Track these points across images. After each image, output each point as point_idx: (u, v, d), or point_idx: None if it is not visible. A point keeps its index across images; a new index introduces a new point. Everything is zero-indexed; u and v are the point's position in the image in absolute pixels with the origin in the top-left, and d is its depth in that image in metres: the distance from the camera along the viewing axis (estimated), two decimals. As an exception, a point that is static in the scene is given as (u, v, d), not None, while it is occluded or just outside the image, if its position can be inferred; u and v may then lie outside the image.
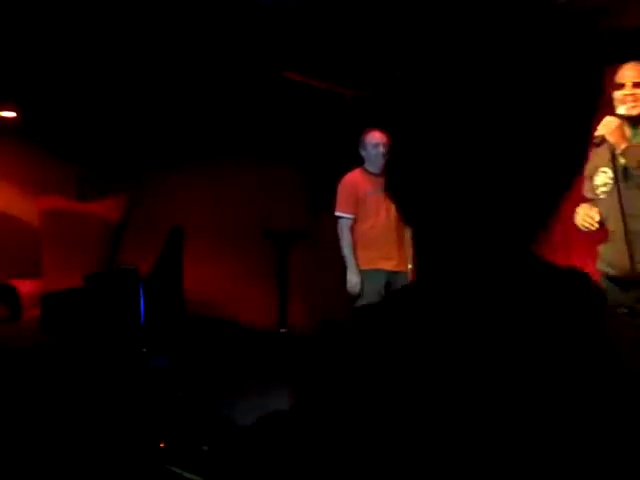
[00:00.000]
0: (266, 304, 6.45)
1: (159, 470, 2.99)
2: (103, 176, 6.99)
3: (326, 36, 4.62)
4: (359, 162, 4.77)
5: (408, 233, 4.76)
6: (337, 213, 4.68)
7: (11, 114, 6.44)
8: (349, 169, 4.80)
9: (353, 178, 4.69)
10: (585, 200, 3.41)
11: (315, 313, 6.53)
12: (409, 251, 4.70)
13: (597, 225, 3.31)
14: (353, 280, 4.58)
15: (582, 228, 3.35)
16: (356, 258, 4.61)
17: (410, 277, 4.71)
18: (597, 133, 3.20)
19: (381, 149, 4.56)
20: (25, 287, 6.06)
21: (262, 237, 6.25)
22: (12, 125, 6.52)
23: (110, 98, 5.92)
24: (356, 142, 4.82)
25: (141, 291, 5.25)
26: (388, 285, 4.64)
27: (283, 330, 6.30)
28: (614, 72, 3.34)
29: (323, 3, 4.14)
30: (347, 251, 4.61)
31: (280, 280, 6.37)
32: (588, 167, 3.27)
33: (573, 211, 3.40)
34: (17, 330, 5.77)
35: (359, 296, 4.59)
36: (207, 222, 6.44)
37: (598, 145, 3.22)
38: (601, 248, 3.40)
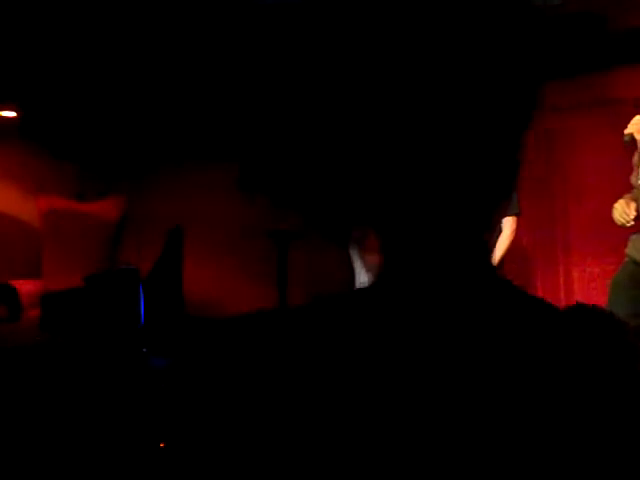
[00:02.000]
0: (266, 304, 6.45)
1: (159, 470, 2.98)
2: (103, 176, 6.99)
3: (325, 36, 4.62)
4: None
5: None
6: None
7: (11, 114, 6.44)
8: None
9: None
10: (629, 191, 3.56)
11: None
12: None
13: (632, 222, 3.47)
14: (363, 280, 4.58)
15: (618, 223, 3.51)
16: (363, 258, 4.62)
17: None
18: (626, 131, 3.40)
19: None
20: (25, 287, 6.06)
21: (262, 237, 6.25)
22: (12, 125, 6.52)
23: (110, 98, 5.92)
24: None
25: (141, 291, 5.25)
26: None
27: (283, 330, 6.29)
28: (627, 72, 3.41)
29: (323, 3, 4.14)
30: (354, 252, 4.61)
31: (280, 279, 6.37)
32: (635, 157, 3.47)
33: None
34: (17, 330, 5.77)
35: None
36: (207, 222, 6.44)
37: (627, 143, 3.36)
38: (634, 235, 3.54)
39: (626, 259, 3.56)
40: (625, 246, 3.60)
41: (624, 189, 3.60)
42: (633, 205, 3.45)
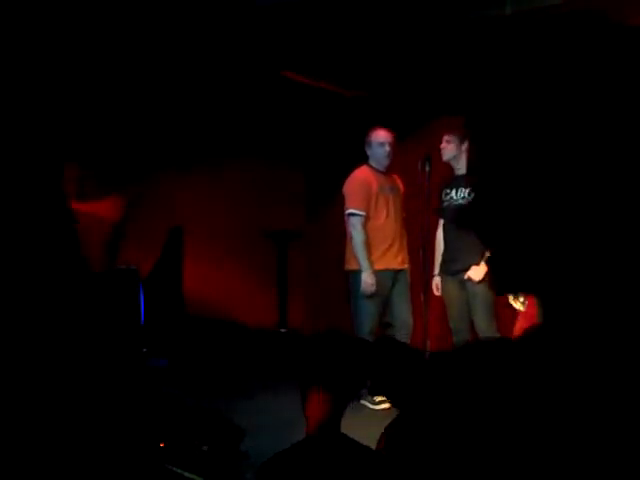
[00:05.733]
0: (266, 304, 6.45)
1: (159, 470, 2.98)
2: (103, 176, 6.98)
3: (325, 36, 4.62)
4: (358, 161, 4.75)
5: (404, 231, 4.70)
6: (350, 210, 4.47)
7: (11, 114, 6.43)
8: (348, 168, 4.78)
9: (363, 175, 4.53)
10: None
11: (314, 312, 6.53)
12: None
13: None
14: (369, 280, 4.43)
15: None
16: (369, 257, 4.45)
17: (408, 276, 4.65)
18: None
19: (387, 148, 4.49)
20: (25, 287, 6.05)
21: (261, 237, 6.26)
22: (12, 125, 6.52)
23: (110, 98, 5.92)
24: (355, 142, 4.81)
25: (141, 291, 5.25)
26: (393, 284, 4.58)
27: (283, 330, 6.30)
28: None
29: (322, 3, 4.14)
30: (361, 250, 4.42)
31: (279, 279, 6.37)
32: None
33: None
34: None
35: (371, 295, 4.49)
36: (207, 222, 6.44)
37: None
38: None
39: None
40: None
41: None
42: None
